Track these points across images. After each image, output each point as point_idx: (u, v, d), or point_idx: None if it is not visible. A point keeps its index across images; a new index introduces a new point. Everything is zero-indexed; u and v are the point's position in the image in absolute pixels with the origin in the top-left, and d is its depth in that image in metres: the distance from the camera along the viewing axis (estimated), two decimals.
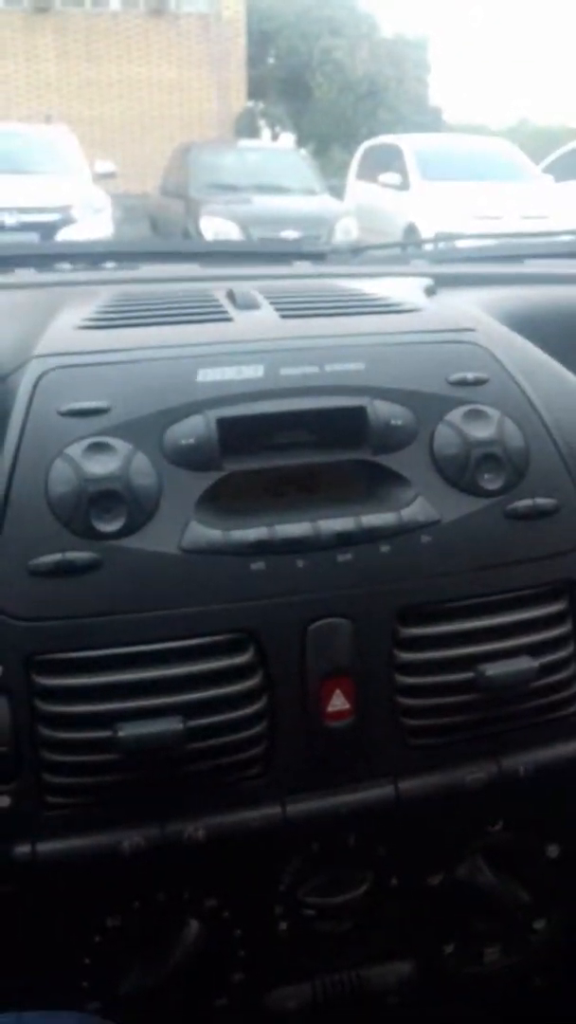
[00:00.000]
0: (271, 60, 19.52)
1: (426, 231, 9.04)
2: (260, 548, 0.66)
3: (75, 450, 0.65)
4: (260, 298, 0.83)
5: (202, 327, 0.77)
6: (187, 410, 0.68)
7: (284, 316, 0.80)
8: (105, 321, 0.78)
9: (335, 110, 18.37)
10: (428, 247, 1.72)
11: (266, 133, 19.09)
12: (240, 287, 0.85)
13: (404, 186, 9.64)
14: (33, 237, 7.93)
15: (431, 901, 0.78)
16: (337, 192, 10.73)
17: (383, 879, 0.76)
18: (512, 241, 1.58)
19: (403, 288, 0.93)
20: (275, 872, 0.74)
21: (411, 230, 9.28)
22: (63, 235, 7.97)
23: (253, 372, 0.71)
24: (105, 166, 9.65)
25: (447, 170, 9.53)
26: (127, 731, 0.62)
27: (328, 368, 0.72)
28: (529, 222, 8.78)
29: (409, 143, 10.25)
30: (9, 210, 7.89)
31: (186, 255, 1.30)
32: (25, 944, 0.72)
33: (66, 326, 0.77)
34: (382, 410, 0.70)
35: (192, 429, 0.67)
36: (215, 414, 0.68)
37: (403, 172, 9.76)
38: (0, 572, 0.64)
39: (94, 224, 8.27)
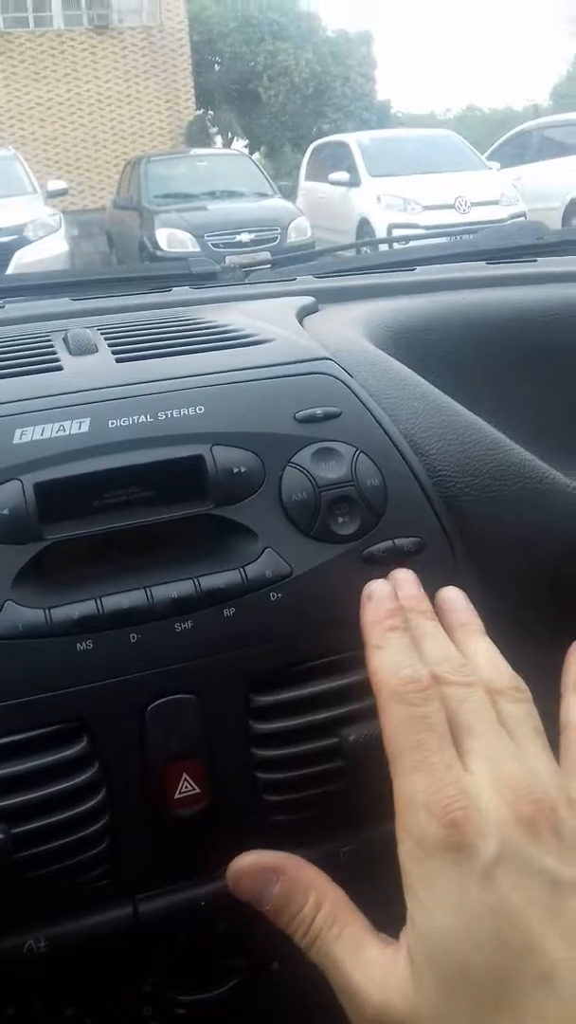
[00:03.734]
0: (217, 67, 19.61)
1: (379, 225, 9.18)
2: (86, 625, 0.60)
3: None
4: (99, 340, 0.77)
5: (24, 380, 0.70)
6: (1, 477, 0.62)
7: (120, 360, 0.73)
8: None
9: (284, 112, 18.48)
10: (351, 252, 1.56)
11: (219, 140, 19.17)
12: (76, 331, 0.79)
13: (354, 182, 9.76)
14: None
15: (319, 981, 0.77)
16: (289, 193, 10.83)
17: (261, 966, 0.71)
18: (418, 244, 1.38)
19: (272, 313, 0.86)
20: (138, 973, 0.68)
21: (364, 225, 9.41)
22: (19, 256, 8.03)
23: (78, 428, 0.65)
24: (56, 185, 9.72)
25: (395, 164, 9.66)
26: None
27: (162, 415, 0.67)
28: (480, 208, 8.94)
29: (355, 140, 10.38)
30: None
31: (58, 287, 1.17)
32: None
33: None
34: (223, 457, 0.65)
35: (6, 498, 0.61)
36: (32, 479, 0.62)
37: (352, 169, 9.88)
38: None
39: (49, 243, 8.34)
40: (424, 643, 0.52)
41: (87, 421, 0.65)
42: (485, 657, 0.52)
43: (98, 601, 0.61)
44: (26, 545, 0.62)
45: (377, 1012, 0.42)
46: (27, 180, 9.23)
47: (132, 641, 0.61)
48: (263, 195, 9.94)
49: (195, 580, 0.63)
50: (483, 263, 1.11)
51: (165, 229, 8.86)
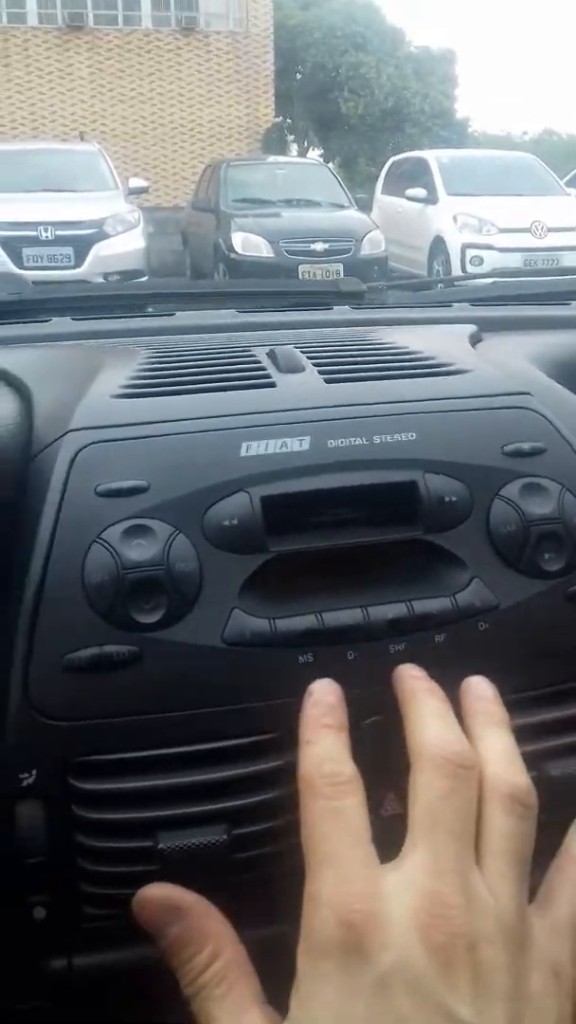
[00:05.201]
0: (298, 76, 19.72)
1: (453, 244, 9.19)
2: (309, 639, 0.62)
3: (112, 533, 0.62)
4: (303, 360, 0.79)
5: (245, 395, 0.72)
6: (230, 487, 0.64)
7: (329, 380, 0.75)
8: (143, 388, 0.73)
9: (362, 125, 18.52)
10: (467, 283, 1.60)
11: (294, 148, 19.26)
12: (283, 348, 0.80)
13: (431, 200, 9.77)
14: (68, 251, 8.15)
15: None
16: (364, 205, 10.88)
17: None
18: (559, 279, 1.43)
19: (448, 339, 0.88)
20: None
21: (438, 243, 9.42)
22: (97, 250, 8.18)
23: (299, 445, 0.67)
24: (138, 182, 9.88)
25: (473, 184, 9.65)
26: (169, 841, 0.58)
27: (377, 439, 0.68)
28: (557, 234, 8.92)
29: (435, 157, 10.39)
30: (44, 224, 8.08)
31: (222, 296, 1.23)
32: None
33: (103, 394, 0.72)
34: (435, 485, 0.66)
35: (235, 508, 0.63)
36: (260, 492, 0.64)
37: (429, 186, 9.89)
38: (34, 667, 0.61)
39: (127, 239, 8.46)
40: (435, 721, 0.49)
41: (307, 439, 0.68)
42: (499, 749, 0.48)
43: (319, 616, 0.63)
44: (252, 555, 0.63)
45: None
46: (110, 176, 9.38)
47: (349, 659, 0.63)
48: (339, 206, 9.98)
49: (408, 603, 0.64)
50: None
51: (240, 233, 8.94)
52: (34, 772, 0.61)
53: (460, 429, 0.71)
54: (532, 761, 0.63)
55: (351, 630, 0.63)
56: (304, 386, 0.75)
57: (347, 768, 0.45)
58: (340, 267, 8.45)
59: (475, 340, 0.92)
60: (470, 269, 8.68)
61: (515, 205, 9.23)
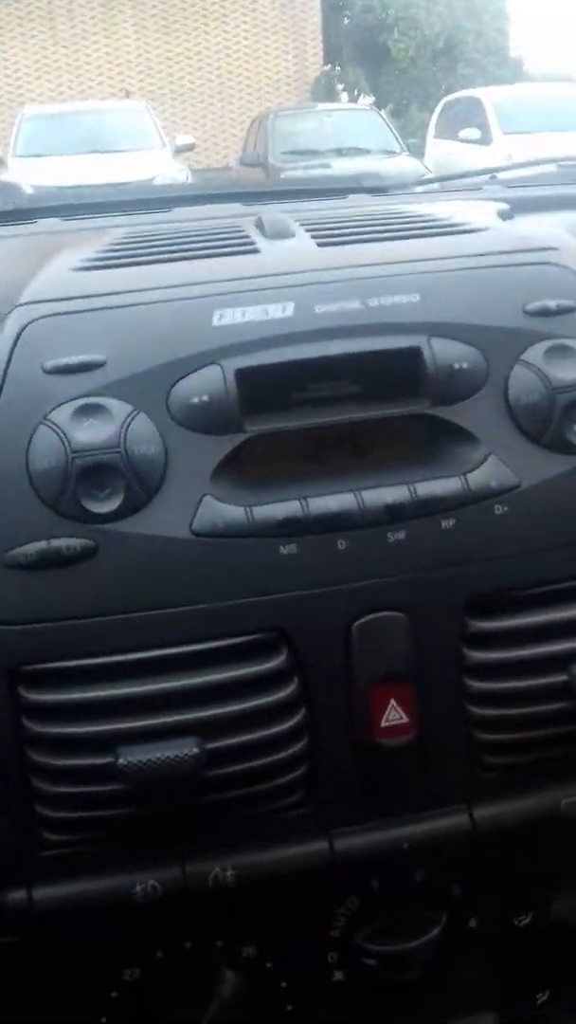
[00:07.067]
0: (347, 20, 19.25)
1: None
2: (291, 527, 0.56)
3: (61, 415, 0.55)
4: (295, 226, 0.71)
5: (222, 261, 0.65)
6: (199, 360, 0.57)
7: (322, 244, 0.67)
8: (106, 260, 0.66)
9: (413, 68, 18.03)
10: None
11: (344, 96, 18.86)
12: (271, 214, 0.72)
13: (485, 140, 9.45)
14: None
15: (519, 945, 0.68)
16: (417, 151, 10.61)
17: (458, 921, 0.66)
18: None
19: (473, 211, 0.79)
20: (326, 915, 0.64)
21: None
22: None
23: (281, 311, 0.60)
24: (185, 139, 9.79)
25: (529, 122, 9.30)
26: (131, 757, 0.53)
27: (373, 302, 0.60)
28: None
29: (489, 96, 10.03)
30: (93, 188, 8.04)
31: (230, 196, 1.12)
32: (30, 1003, 0.62)
33: (60, 268, 0.66)
34: (442, 351, 0.59)
35: (205, 384, 0.57)
36: (233, 364, 0.57)
37: (483, 126, 9.56)
38: None
39: None
40: None
41: (291, 305, 0.60)
42: None
43: (303, 502, 0.57)
44: (226, 436, 0.58)
45: None
46: (156, 134, 9.31)
47: (340, 548, 0.57)
48: (390, 152, 9.75)
49: (410, 486, 0.58)
50: None
51: None
52: None
53: (473, 288, 0.62)
54: (558, 663, 0.57)
55: (341, 517, 0.57)
56: (292, 251, 0.67)
57: None
58: None
59: (506, 217, 0.83)
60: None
61: (573, 141, 8.87)
